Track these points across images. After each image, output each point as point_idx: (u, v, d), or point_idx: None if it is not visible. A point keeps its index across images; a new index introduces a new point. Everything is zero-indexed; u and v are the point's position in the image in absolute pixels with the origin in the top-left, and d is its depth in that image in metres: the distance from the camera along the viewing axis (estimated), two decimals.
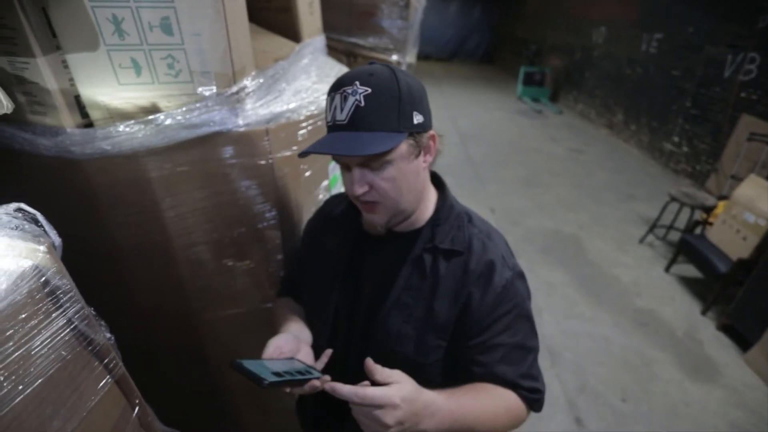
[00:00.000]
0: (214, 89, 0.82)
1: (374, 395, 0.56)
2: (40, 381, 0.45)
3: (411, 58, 2.49)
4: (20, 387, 0.41)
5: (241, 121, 0.87)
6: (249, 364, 0.60)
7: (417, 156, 0.69)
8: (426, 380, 0.75)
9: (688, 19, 5.22)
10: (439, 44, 13.01)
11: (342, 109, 0.63)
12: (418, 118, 0.66)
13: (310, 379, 0.65)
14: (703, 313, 2.89)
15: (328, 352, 0.74)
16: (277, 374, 0.61)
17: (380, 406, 0.56)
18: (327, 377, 0.65)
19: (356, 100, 0.62)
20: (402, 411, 0.57)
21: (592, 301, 2.99)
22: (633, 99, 6.43)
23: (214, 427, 1.28)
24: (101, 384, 0.55)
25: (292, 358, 0.70)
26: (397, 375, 0.61)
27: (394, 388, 0.58)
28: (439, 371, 0.75)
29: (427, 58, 12.58)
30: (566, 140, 6.62)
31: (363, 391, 0.57)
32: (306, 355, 0.72)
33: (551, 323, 2.75)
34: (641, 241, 3.75)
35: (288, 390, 0.64)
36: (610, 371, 2.42)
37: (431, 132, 0.70)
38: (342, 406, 0.83)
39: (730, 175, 3.83)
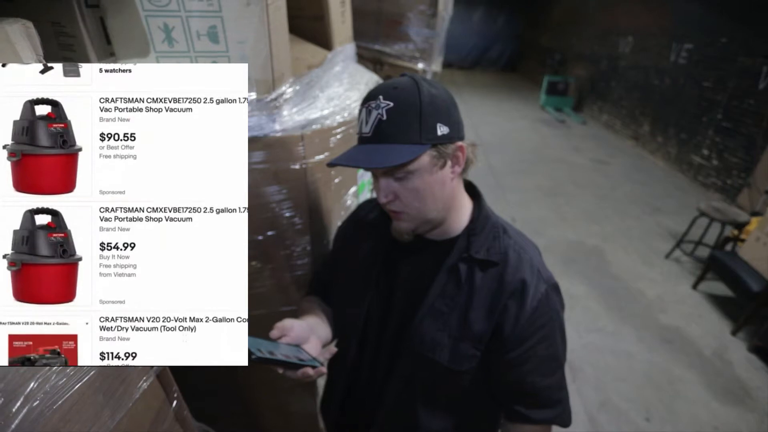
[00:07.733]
0: (254, 95, 0.85)
1: None
2: (94, 371, 0.47)
3: (436, 66, 2.49)
4: (80, 374, 0.44)
5: (278, 127, 0.89)
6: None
7: (442, 167, 0.69)
8: (459, 387, 0.76)
9: (721, 30, 5.08)
10: (461, 52, 12.92)
11: (367, 123, 0.67)
12: (442, 130, 0.66)
13: (304, 366, 0.66)
14: (734, 333, 2.79)
15: (333, 349, 0.77)
16: (270, 353, 0.61)
17: None
18: (322, 368, 0.68)
19: (379, 113, 0.65)
20: None
21: (615, 315, 2.91)
22: (660, 110, 6.28)
23: (234, 424, 1.29)
24: (145, 377, 0.57)
25: (297, 346, 0.70)
26: None
27: None
28: (472, 379, 0.76)
29: (449, 66, 12.54)
30: (590, 151, 6.50)
31: None
32: (313, 347, 0.73)
33: (572, 336, 2.68)
34: (667, 256, 3.64)
35: (281, 371, 0.65)
36: (632, 388, 2.35)
37: (459, 143, 0.70)
38: (367, 410, 0.84)
39: (765, 191, 3.69)
